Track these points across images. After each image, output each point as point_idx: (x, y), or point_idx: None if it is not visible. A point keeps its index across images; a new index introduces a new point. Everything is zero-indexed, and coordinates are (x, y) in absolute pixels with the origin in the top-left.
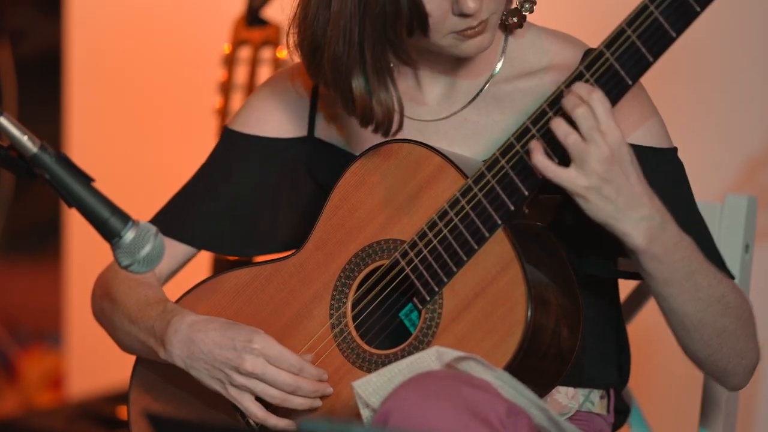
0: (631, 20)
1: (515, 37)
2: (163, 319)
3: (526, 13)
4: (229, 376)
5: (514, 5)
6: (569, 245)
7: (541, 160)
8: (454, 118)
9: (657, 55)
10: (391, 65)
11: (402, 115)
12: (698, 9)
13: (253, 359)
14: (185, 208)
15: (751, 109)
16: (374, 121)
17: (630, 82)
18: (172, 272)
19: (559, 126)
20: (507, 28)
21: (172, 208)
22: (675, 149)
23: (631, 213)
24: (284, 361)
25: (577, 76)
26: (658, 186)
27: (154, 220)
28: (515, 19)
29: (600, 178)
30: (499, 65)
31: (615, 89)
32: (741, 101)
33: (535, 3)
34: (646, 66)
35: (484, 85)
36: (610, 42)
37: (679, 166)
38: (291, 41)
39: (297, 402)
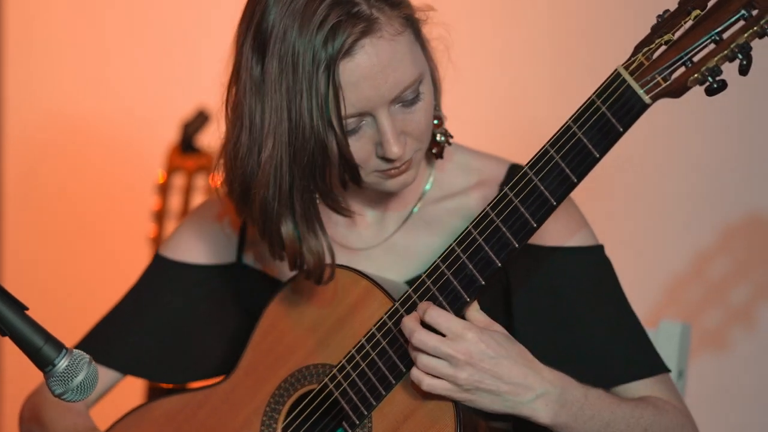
0: (555, 141)
1: (442, 162)
2: None
3: (444, 145)
4: None
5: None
6: None
7: (415, 372)
8: (385, 245)
9: (581, 176)
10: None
11: (333, 266)
12: (621, 129)
13: None
14: (112, 332)
15: (681, 233)
16: (305, 267)
17: (554, 203)
18: (99, 396)
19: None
20: (429, 158)
21: (99, 332)
22: (601, 247)
23: (521, 398)
24: None
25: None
26: (586, 285)
27: (81, 344)
28: (434, 151)
29: (473, 382)
30: (427, 186)
31: (542, 208)
32: (670, 225)
33: (451, 136)
34: (570, 187)
35: (412, 211)
36: (534, 163)
37: (606, 263)
38: (220, 177)
39: None
